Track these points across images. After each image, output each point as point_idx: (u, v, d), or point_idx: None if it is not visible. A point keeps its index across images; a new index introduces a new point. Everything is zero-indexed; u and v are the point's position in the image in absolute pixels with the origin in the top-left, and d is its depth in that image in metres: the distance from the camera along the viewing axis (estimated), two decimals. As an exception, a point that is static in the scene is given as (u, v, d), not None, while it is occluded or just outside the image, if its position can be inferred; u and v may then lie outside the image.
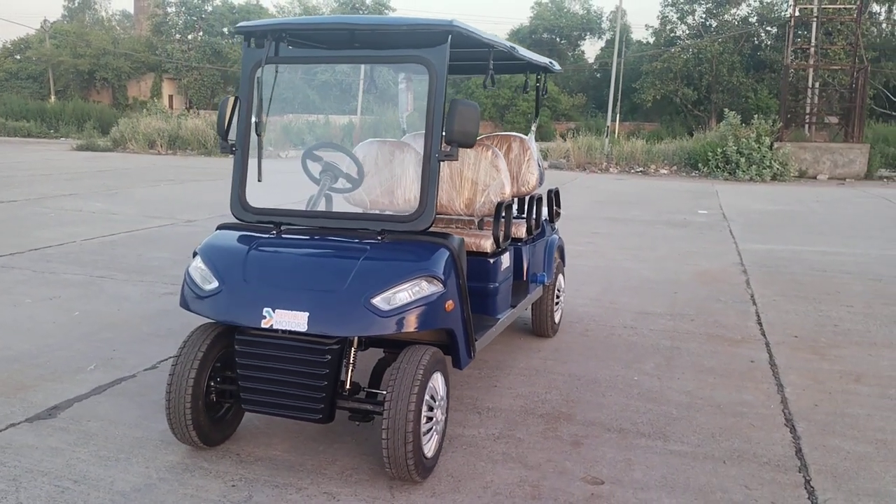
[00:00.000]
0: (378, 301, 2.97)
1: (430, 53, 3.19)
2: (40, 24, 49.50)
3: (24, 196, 12.56)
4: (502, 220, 4.14)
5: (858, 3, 24.78)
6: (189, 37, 47.75)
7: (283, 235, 3.39)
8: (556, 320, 5.31)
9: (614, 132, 29.03)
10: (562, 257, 5.51)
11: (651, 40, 44.18)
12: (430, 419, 3.07)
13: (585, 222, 11.20)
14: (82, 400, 3.92)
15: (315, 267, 3.21)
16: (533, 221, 4.78)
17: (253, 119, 3.42)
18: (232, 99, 3.51)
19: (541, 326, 5.17)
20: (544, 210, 5.24)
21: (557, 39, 48.68)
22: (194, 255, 3.38)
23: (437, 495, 3.02)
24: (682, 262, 8.21)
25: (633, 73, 40.81)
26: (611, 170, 23.28)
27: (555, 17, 47.56)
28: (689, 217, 12.29)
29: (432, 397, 3.09)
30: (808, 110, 25.26)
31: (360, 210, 4.11)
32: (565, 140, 25.88)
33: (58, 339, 4.96)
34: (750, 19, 41.00)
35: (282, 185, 3.86)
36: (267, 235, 3.39)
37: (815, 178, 21.36)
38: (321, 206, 3.69)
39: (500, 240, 4.12)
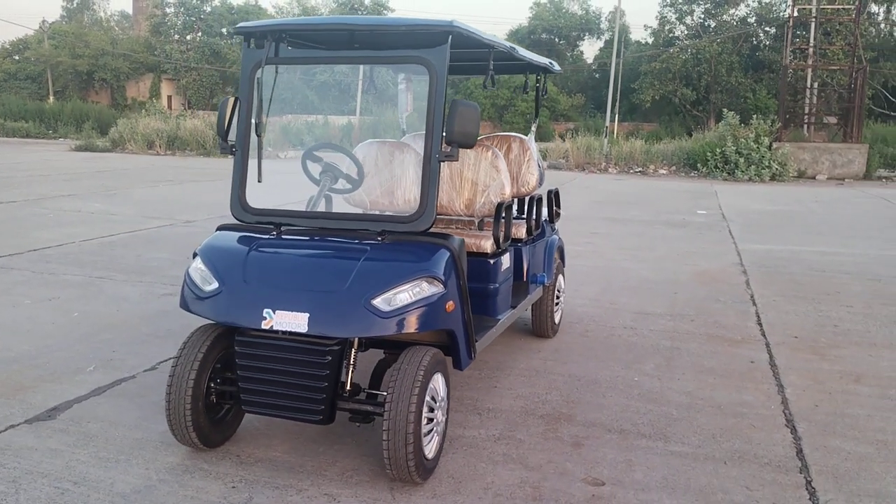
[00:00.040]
0: (378, 302, 2.97)
1: (430, 54, 3.19)
2: (39, 25, 49.52)
3: (22, 197, 12.55)
4: (502, 220, 4.13)
5: (857, 3, 24.79)
6: (188, 37, 47.73)
7: (284, 236, 3.38)
8: (556, 321, 5.31)
9: (613, 132, 29.02)
10: (562, 258, 5.50)
11: (650, 40, 44.19)
12: (430, 420, 3.07)
13: (584, 222, 11.20)
14: (82, 401, 3.92)
15: (315, 268, 3.20)
16: (533, 222, 4.78)
17: (253, 120, 3.41)
18: (232, 100, 3.51)
19: (541, 327, 5.17)
20: (544, 210, 5.24)
21: (556, 40, 48.68)
22: (194, 255, 3.38)
23: (438, 496, 3.02)
24: (681, 263, 8.21)
25: (631, 74, 40.83)
26: (610, 170, 23.29)
27: (553, 18, 47.56)
28: (689, 217, 12.29)
29: (433, 398, 3.08)
30: (806, 110, 25.29)
31: (360, 211, 4.11)
32: (564, 140, 25.88)
33: (57, 339, 4.95)
34: (748, 19, 41.02)
35: (281, 185, 3.86)
36: (267, 236, 3.38)
37: (813, 178, 21.37)
38: (321, 207, 3.69)
39: (501, 240, 4.12)
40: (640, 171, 22.94)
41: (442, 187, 4.39)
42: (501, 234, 4.12)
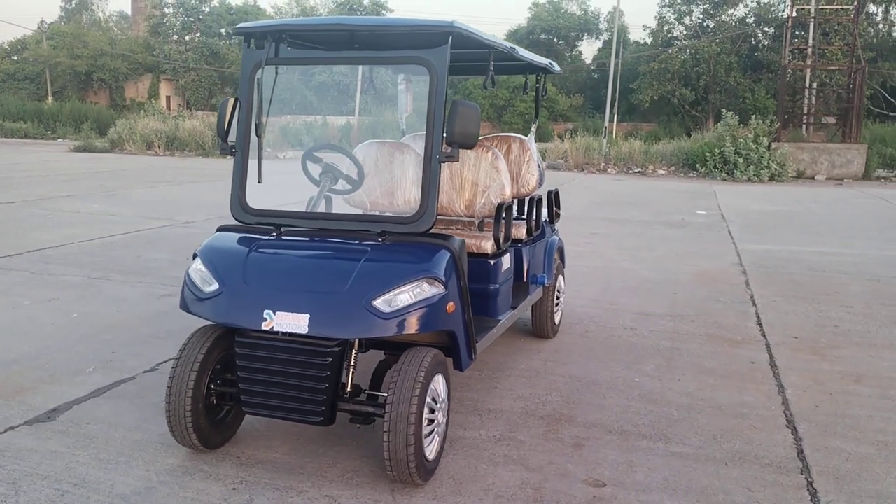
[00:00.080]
0: (379, 303, 2.97)
1: (430, 55, 3.18)
2: (37, 25, 49.45)
3: (21, 197, 12.53)
4: (503, 221, 4.13)
5: (855, 3, 24.82)
6: (186, 38, 47.73)
7: (284, 237, 3.38)
8: (556, 321, 5.30)
9: (612, 133, 29.04)
10: (562, 258, 5.50)
11: (648, 41, 44.24)
12: (431, 421, 3.06)
13: (584, 223, 11.20)
14: (81, 402, 3.91)
15: (316, 269, 3.19)
16: (533, 222, 4.78)
17: (253, 120, 3.41)
18: (232, 100, 3.50)
19: (541, 328, 5.16)
20: (544, 211, 5.24)
21: (555, 40, 48.71)
22: (194, 256, 3.37)
23: (439, 498, 3.01)
24: (680, 263, 8.21)
25: (630, 74, 40.85)
26: (609, 170, 23.30)
27: (552, 18, 47.59)
28: (688, 217, 12.30)
29: (433, 399, 3.08)
30: (805, 111, 25.30)
31: (360, 211, 4.10)
32: (563, 141, 25.88)
33: (56, 340, 4.94)
34: (747, 20, 41.07)
35: (281, 186, 3.85)
36: (267, 237, 3.38)
37: (812, 178, 21.39)
38: (321, 208, 3.68)
39: (501, 241, 4.11)
40: (639, 172, 22.95)
41: (442, 188, 4.38)
42: (502, 235, 4.11)
